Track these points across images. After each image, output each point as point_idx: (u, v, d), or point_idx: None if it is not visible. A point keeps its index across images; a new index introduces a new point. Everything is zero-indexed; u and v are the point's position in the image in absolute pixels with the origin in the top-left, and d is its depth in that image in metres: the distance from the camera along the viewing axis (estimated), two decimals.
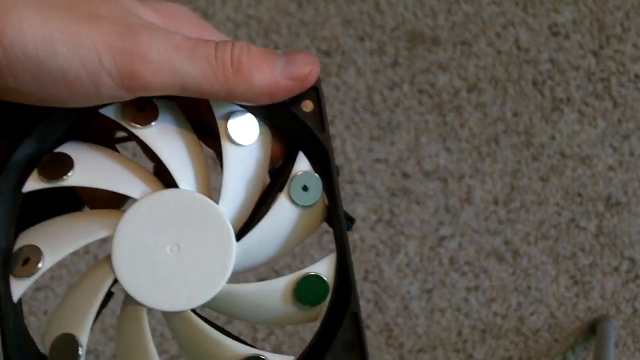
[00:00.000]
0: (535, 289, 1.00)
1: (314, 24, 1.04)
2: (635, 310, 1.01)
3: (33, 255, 0.31)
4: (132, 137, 0.33)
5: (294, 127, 0.33)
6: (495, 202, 1.01)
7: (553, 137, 1.03)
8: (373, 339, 0.99)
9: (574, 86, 1.04)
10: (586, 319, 1.00)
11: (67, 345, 0.31)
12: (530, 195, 1.02)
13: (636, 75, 1.05)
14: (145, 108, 0.32)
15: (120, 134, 0.36)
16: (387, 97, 1.02)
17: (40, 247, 0.31)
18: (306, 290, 0.32)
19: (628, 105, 1.04)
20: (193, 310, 0.31)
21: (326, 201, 0.33)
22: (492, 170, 1.02)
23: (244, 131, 0.32)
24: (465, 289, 1.00)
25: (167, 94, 0.30)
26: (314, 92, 0.32)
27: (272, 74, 0.30)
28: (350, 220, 0.34)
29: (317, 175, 0.32)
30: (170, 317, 0.32)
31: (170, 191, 0.32)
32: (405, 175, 1.01)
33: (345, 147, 1.01)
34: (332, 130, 1.01)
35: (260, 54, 0.30)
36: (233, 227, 0.31)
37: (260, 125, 0.33)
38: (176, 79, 0.29)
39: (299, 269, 0.32)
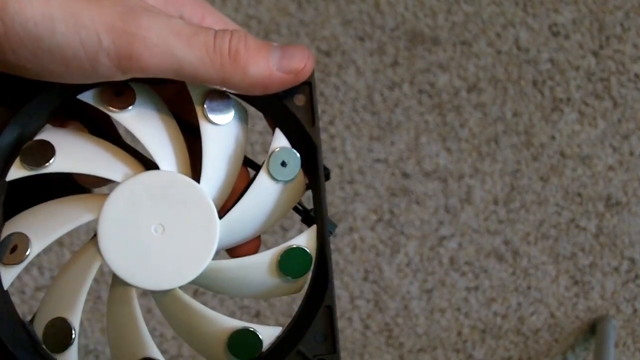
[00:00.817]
0: (535, 289, 1.00)
1: (314, 24, 1.04)
2: (635, 310, 1.01)
3: (20, 242, 0.31)
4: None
5: (285, 120, 0.33)
6: (495, 202, 1.01)
7: (553, 137, 1.03)
8: (373, 339, 0.99)
9: (574, 86, 1.04)
10: (586, 319, 1.00)
11: (60, 328, 0.31)
12: (530, 195, 1.02)
13: (636, 75, 1.05)
14: (122, 92, 0.33)
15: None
16: (387, 97, 1.02)
17: (27, 234, 0.32)
18: (290, 263, 0.32)
19: (628, 105, 1.04)
20: (181, 289, 0.32)
21: (306, 179, 0.34)
22: (492, 170, 1.02)
23: (221, 111, 0.33)
24: (465, 289, 1.00)
25: (161, 77, 0.30)
26: (307, 86, 0.33)
27: (267, 66, 0.31)
28: (331, 227, 0.34)
29: (294, 150, 0.33)
30: (158, 296, 0.32)
31: (152, 173, 0.32)
32: (405, 175, 1.01)
33: (345, 147, 1.01)
34: (332, 130, 1.01)
35: (257, 45, 0.31)
36: (215, 204, 0.32)
37: (235, 105, 0.33)
38: (174, 63, 0.29)
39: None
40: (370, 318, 0.98)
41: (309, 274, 0.33)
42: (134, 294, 0.32)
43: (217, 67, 0.30)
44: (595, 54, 1.05)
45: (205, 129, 0.33)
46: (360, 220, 1.00)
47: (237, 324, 0.32)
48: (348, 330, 0.98)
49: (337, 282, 0.99)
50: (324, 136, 1.01)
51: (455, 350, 0.99)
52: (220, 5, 1.03)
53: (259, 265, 0.32)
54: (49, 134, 0.33)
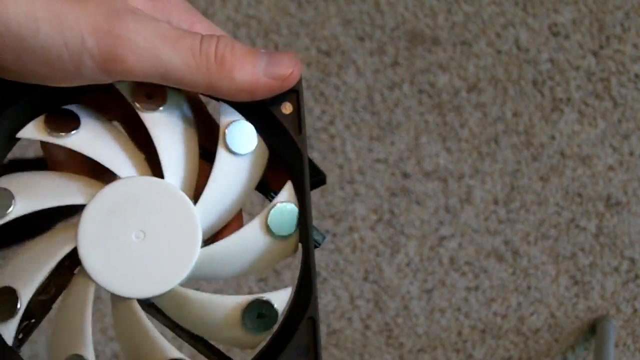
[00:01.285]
0: (535, 289, 1.00)
1: (314, 24, 1.04)
2: (635, 310, 1.01)
3: (4, 198, 0.31)
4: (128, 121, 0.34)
5: (272, 128, 0.33)
6: (495, 202, 1.01)
7: (553, 137, 1.03)
8: (373, 339, 0.99)
9: (574, 86, 1.04)
10: (586, 319, 1.00)
11: (6, 298, 0.31)
12: (530, 195, 1.02)
13: (636, 75, 1.05)
14: (152, 95, 0.32)
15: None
16: (387, 97, 1.02)
17: (13, 286, 0.31)
18: (278, 219, 0.32)
19: (628, 105, 1.04)
20: (144, 301, 0.31)
21: (267, 150, 0.33)
22: (492, 170, 1.02)
23: (241, 140, 0.33)
24: (465, 289, 1.00)
25: (146, 81, 0.30)
26: (295, 94, 0.33)
27: (254, 71, 0.30)
28: (319, 239, 0.34)
29: (246, 122, 0.33)
30: (160, 300, 0.32)
31: (113, 184, 0.32)
32: (405, 175, 1.01)
33: (345, 147, 1.01)
34: (332, 130, 1.01)
35: (244, 50, 0.31)
36: (204, 232, 0.31)
37: (258, 140, 0.33)
38: (159, 66, 0.29)
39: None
40: (370, 318, 0.98)
41: (268, 335, 0.32)
42: (136, 305, 0.31)
43: (203, 71, 0.30)
44: (595, 54, 1.05)
45: (148, 121, 0.32)
46: (360, 220, 1.00)
47: (245, 298, 0.31)
48: (348, 330, 0.98)
49: (337, 282, 0.99)
50: (324, 136, 1.01)
51: (455, 350, 0.99)
52: (220, 5, 1.03)
53: (250, 234, 0.32)
54: (2, 182, 0.32)
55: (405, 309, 0.99)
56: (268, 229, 0.32)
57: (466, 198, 1.01)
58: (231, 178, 0.33)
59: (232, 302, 0.31)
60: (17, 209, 0.31)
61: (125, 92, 0.32)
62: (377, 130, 1.02)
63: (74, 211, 0.33)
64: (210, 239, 0.33)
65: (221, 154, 0.32)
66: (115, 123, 0.36)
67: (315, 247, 0.34)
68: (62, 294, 0.32)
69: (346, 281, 0.99)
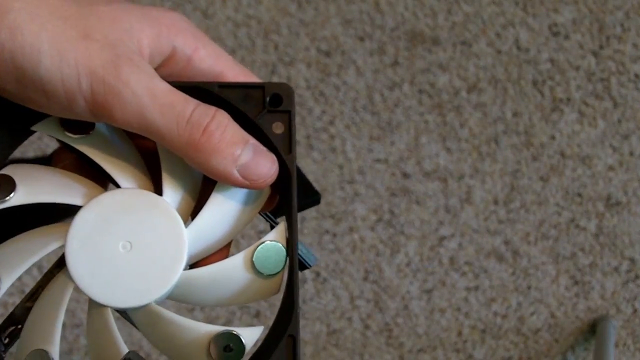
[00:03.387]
0: (535, 289, 1.00)
1: (314, 24, 1.04)
2: (635, 310, 1.01)
3: (7, 184, 0.32)
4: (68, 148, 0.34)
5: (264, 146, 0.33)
6: (495, 202, 1.01)
7: (553, 137, 1.03)
8: (373, 339, 0.99)
9: (574, 86, 1.04)
10: (586, 319, 1.00)
11: None
12: (530, 195, 1.02)
13: (636, 75, 1.05)
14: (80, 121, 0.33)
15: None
16: (387, 97, 1.02)
17: (17, 182, 0.32)
18: (264, 258, 0.32)
19: (628, 105, 1.04)
20: (119, 311, 0.32)
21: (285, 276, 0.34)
22: (492, 170, 1.02)
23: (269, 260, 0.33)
24: (465, 289, 1.00)
25: (129, 130, 0.30)
26: (287, 115, 0.33)
27: (230, 166, 0.31)
28: (310, 260, 0.34)
29: (284, 249, 0.33)
30: (134, 312, 0.32)
31: (113, 192, 0.32)
32: (405, 175, 1.01)
33: (345, 147, 1.01)
34: (332, 130, 1.01)
35: (234, 139, 0.31)
36: (181, 215, 0.32)
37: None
38: (141, 122, 0.30)
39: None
40: (370, 318, 0.98)
41: (285, 271, 0.32)
42: (109, 314, 0.32)
43: (183, 142, 0.30)
44: (595, 54, 1.05)
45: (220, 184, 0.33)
46: (360, 220, 1.00)
47: (217, 329, 0.32)
48: (348, 330, 0.98)
49: (337, 282, 0.99)
50: (324, 136, 1.01)
51: (455, 350, 0.99)
52: (220, 5, 1.03)
53: (233, 267, 0.32)
54: (9, 169, 0.33)
55: (405, 309, 0.99)
56: (252, 266, 0.32)
57: (466, 198, 1.01)
58: (229, 207, 0.33)
59: (202, 329, 0.32)
60: (16, 198, 0.32)
61: (51, 130, 0.33)
62: (377, 130, 1.02)
63: (69, 214, 0.34)
64: (194, 264, 0.33)
65: (239, 262, 0.32)
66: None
67: (306, 268, 0.34)
68: (86, 332, 0.33)
69: (346, 281, 0.99)
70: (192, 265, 0.34)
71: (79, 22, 0.29)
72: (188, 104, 0.30)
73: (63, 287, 0.32)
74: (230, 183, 0.31)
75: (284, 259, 0.32)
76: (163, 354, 0.33)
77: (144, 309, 0.31)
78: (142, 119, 0.30)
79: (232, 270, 0.32)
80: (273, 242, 0.32)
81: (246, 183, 0.31)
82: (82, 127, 0.33)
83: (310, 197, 0.35)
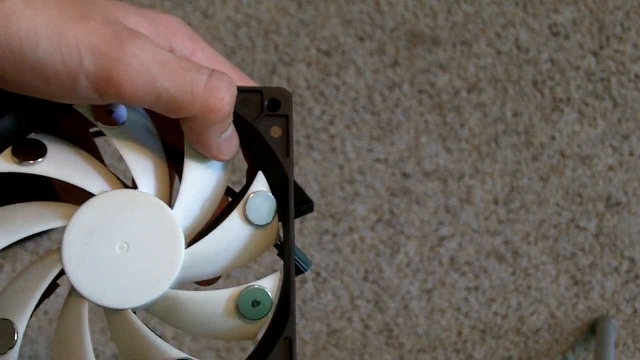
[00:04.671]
0: (535, 289, 1.00)
1: (314, 24, 1.04)
2: (635, 310, 1.01)
3: None
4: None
5: (260, 150, 0.34)
6: (495, 202, 1.01)
7: (553, 137, 1.03)
8: (373, 339, 0.99)
9: (574, 86, 1.04)
10: (586, 319, 1.00)
11: (3, 330, 0.31)
12: (530, 195, 1.02)
13: (636, 75, 1.05)
14: (113, 111, 0.33)
15: (94, 129, 0.37)
16: (387, 97, 1.02)
17: None
18: (248, 303, 0.32)
19: (628, 105, 1.04)
20: (134, 312, 0.32)
21: (280, 230, 0.34)
22: (492, 170, 1.02)
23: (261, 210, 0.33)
24: (465, 289, 1.00)
25: (137, 106, 0.30)
26: (285, 119, 0.33)
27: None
28: (306, 264, 0.34)
29: (272, 195, 0.33)
30: (109, 313, 0.32)
31: (128, 191, 0.32)
32: (405, 175, 1.01)
33: (345, 147, 1.01)
34: (332, 130, 1.01)
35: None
36: (186, 234, 0.32)
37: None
38: (152, 92, 0.29)
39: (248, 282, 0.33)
40: (370, 318, 0.98)
41: (266, 320, 0.32)
42: (86, 307, 0.31)
43: (197, 107, 0.30)
44: (595, 54, 1.05)
45: (188, 154, 0.33)
46: (360, 220, 1.00)
47: (181, 355, 0.31)
48: (348, 330, 0.98)
49: (337, 282, 0.99)
50: (324, 136, 1.01)
51: (455, 350, 0.99)
52: (220, 5, 1.03)
53: (217, 300, 0.32)
54: (44, 137, 0.33)
55: (405, 309, 0.99)
56: (235, 306, 0.32)
57: (466, 198, 1.01)
58: (232, 243, 0.33)
59: (225, 295, 0.32)
60: (41, 166, 0.32)
61: (84, 110, 0.33)
62: (377, 130, 1.02)
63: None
64: (193, 240, 0.33)
65: (234, 217, 0.33)
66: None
67: (301, 272, 0.34)
68: (58, 318, 0.32)
69: (346, 281, 0.99)
70: (191, 241, 0.33)
71: (76, 6, 0.29)
72: (202, 69, 0.30)
73: (50, 265, 0.32)
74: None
75: (268, 309, 0.32)
76: (195, 333, 0.33)
77: (119, 313, 0.31)
78: (153, 88, 0.29)
79: (230, 231, 0.32)
80: (262, 289, 0.32)
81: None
82: (34, 154, 0.33)
83: (303, 203, 0.35)
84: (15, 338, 0.31)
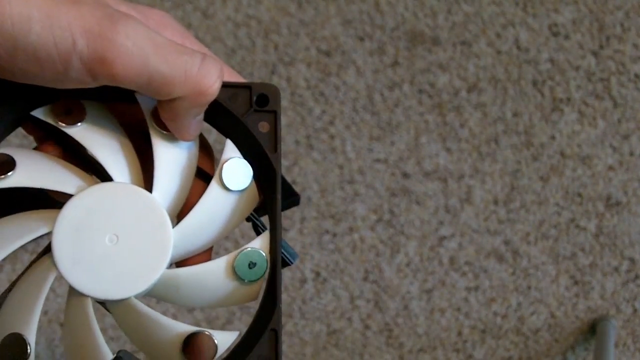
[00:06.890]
0: (535, 289, 1.00)
1: (314, 24, 1.04)
2: (635, 310, 1.01)
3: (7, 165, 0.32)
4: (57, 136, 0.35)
5: (249, 145, 0.34)
6: (495, 202, 1.01)
7: (553, 137, 1.03)
8: (373, 339, 0.99)
9: (574, 86, 1.04)
10: (586, 319, 1.00)
11: (15, 344, 0.31)
12: (530, 195, 1.02)
13: (636, 75, 1.05)
14: (72, 110, 0.33)
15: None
16: (387, 97, 1.02)
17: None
18: (245, 265, 0.33)
19: (628, 105, 1.04)
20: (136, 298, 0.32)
21: (260, 194, 0.35)
22: (492, 170, 1.02)
23: (237, 177, 0.34)
24: (465, 289, 1.00)
25: (128, 88, 0.30)
26: (272, 114, 0.34)
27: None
28: (292, 257, 0.35)
29: (245, 161, 0.34)
30: (114, 305, 0.32)
31: (105, 185, 0.33)
32: (405, 175, 1.01)
33: (345, 147, 1.01)
34: (332, 130, 1.01)
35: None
36: (169, 215, 0.32)
37: (252, 181, 0.34)
38: (145, 73, 0.29)
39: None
40: (370, 318, 0.98)
41: (264, 279, 0.33)
42: (90, 306, 0.32)
43: (189, 88, 0.30)
44: (595, 54, 1.05)
45: (156, 139, 0.33)
46: (360, 220, 1.00)
47: (192, 328, 0.32)
48: (348, 330, 0.98)
49: (337, 282, 0.99)
50: (324, 136, 1.01)
51: (455, 350, 0.99)
52: (220, 5, 1.03)
53: (215, 270, 0.33)
54: (8, 149, 0.33)
55: (405, 309, 0.99)
56: (233, 271, 0.33)
57: (466, 198, 1.01)
58: (216, 212, 0.33)
59: (222, 263, 0.33)
60: (14, 178, 0.32)
61: (43, 113, 0.33)
62: (377, 130, 1.02)
63: (50, 205, 0.34)
64: (179, 264, 0.34)
65: (214, 187, 0.33)
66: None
67: (287, 265, 0.35)
68: (64, 322, 0.33)
69: (346, 281, 0.99)
70: (178, 264, 0.34)
71: None
72: (195, 52, 0.30)
73: (45, 272, 0.32)
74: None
75: (264, 268, 0.33)
76: (136, 347, 0.33)
77: (122, 302, 0.32)
78: (146, 69, 0.29)
79: (213, 274, 0.33)
80: (255, 250, 0.33)
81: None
82: (72, 118, 0.33)
83: (289, 197, 0.36)
84: (29, 351, 0.31)
